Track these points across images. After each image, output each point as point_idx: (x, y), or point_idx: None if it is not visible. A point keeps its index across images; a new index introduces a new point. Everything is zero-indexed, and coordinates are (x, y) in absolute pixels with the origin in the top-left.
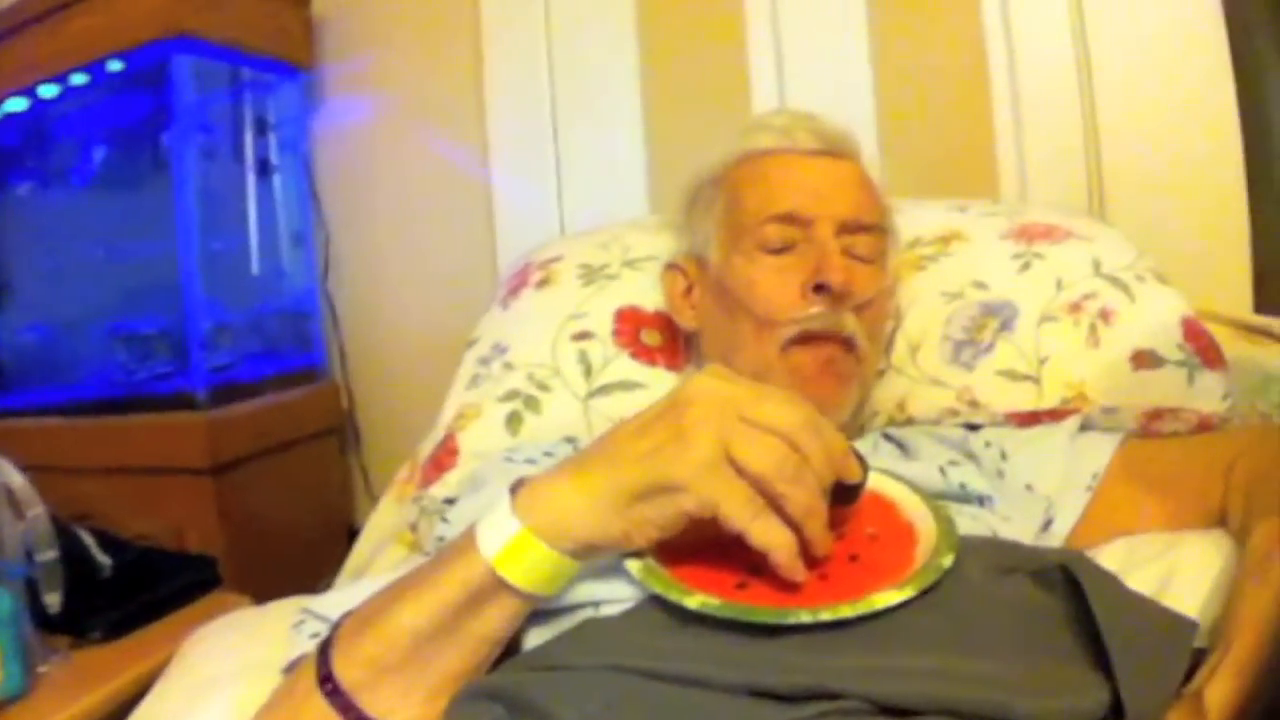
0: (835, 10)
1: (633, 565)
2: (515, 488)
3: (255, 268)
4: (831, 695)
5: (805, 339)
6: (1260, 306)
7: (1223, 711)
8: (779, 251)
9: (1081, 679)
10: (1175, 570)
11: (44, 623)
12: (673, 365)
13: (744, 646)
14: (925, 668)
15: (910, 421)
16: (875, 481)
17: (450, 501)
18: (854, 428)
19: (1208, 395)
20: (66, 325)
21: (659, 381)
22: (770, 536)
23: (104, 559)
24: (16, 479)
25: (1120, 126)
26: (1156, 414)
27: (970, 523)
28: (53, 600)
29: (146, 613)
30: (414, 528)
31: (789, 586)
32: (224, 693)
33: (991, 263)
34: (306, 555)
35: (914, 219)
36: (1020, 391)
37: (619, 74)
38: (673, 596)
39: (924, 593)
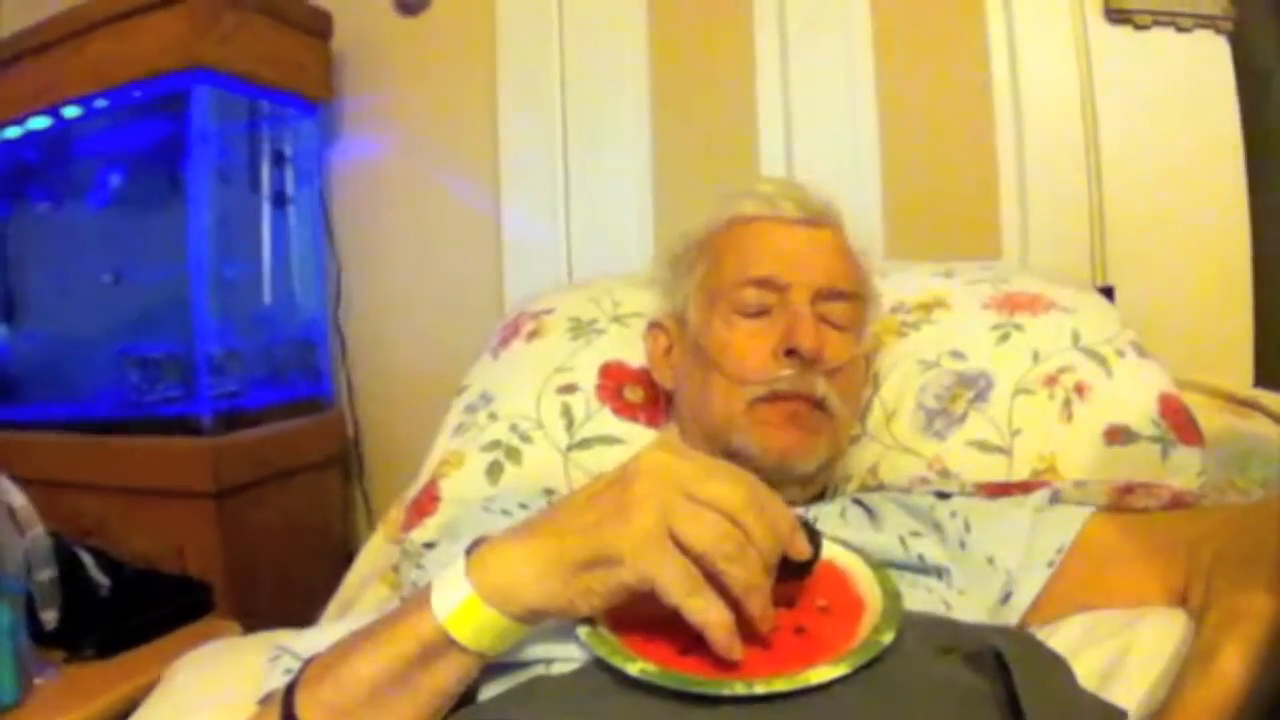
0: (843, 67)
1: (582, 629)
2: (471, 549)
3: (267, 296)
4: None
5: (773, 398)
6: (1261, 379)
7: None
8: (755, 315)
9: None
10: (1129, 649)
11: (40, 637)
12: (653, 422)
13: (679, 714)
14: None
15: (881, 487)
16: (831, 552)
17: (429, 546)
18: (824, 489)
19: (1182, 471)
20: (76, 343)
21: (638, 437)
22: (706, 614)
23: (102, 579)
24: (19, 499)
25: (1125, 192)
26: (1128, 489)
27: (925, 595)
28: (49, 617)
29: (139, 633)
30: (396, 569)
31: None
32: (213, 716)
33: (971, 332)
34: (305, 581)
35: (900, 283)
36: (991, 462)
37: (631, 121)
38: (615, 661)
39: (860, 669)
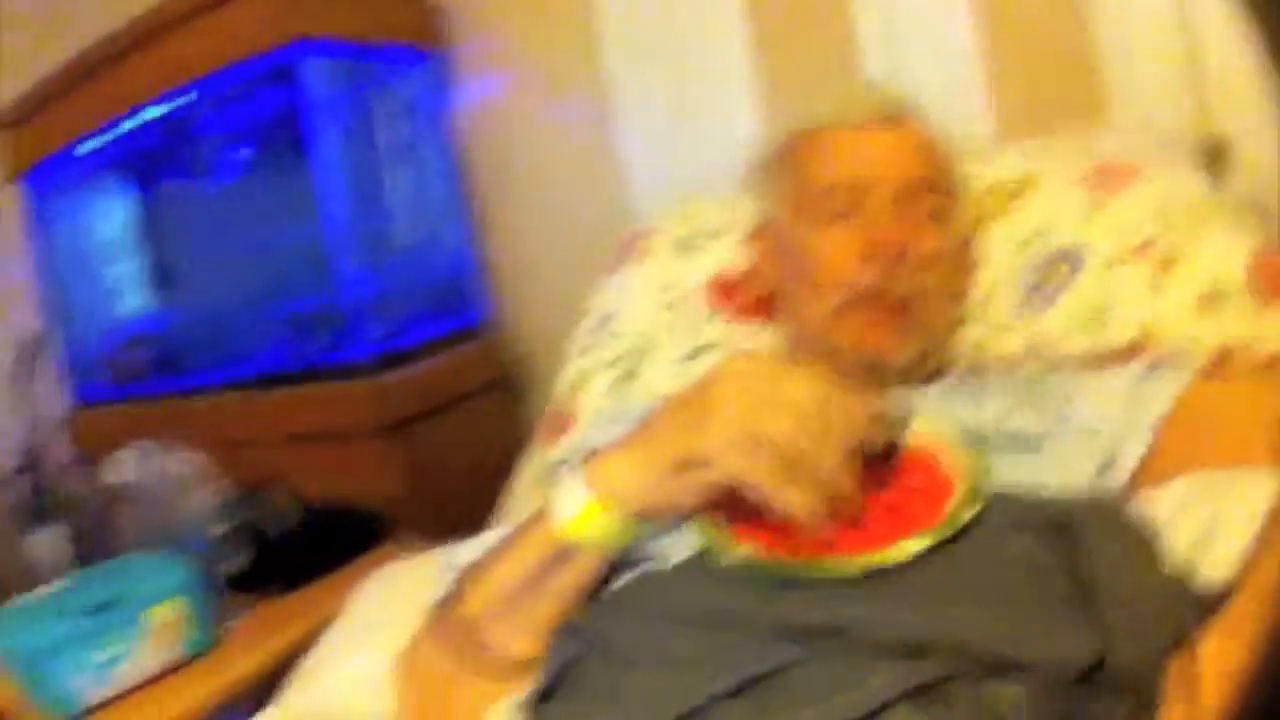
0: None
1: (697, 523)
2: (586, 460)
3: (407, 240)
4: (841, 634)
5: (856, 301)
6: None
7: (1215, 665)
8: (838, 220)
9: (1072, 632)
10: (1225, 510)
11: (229, 585)
12: (768, 320)
13: (777, 592)
14: (932, 614)
15: (987, 366)
16: (922, 434)
17: (563, 463)
18: (933, 371)
19: (1277, 331)
20: (230, 309)
21: (750, 341)
22: (790, 502)
23: (281, 522)
24: (189, 465)
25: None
26: (1226, 353)
27: (1020, 470)
28: (231, 565)
29: (321, 566)
30: (541, 484)
31: (832, 539)
32: (378, 636)
33: (1063, 208)
34: (479, 502)
35: (995, 165)
36: (1088, 335)
37: (732, 23)
38: (718, 548)
39: (941, 544)
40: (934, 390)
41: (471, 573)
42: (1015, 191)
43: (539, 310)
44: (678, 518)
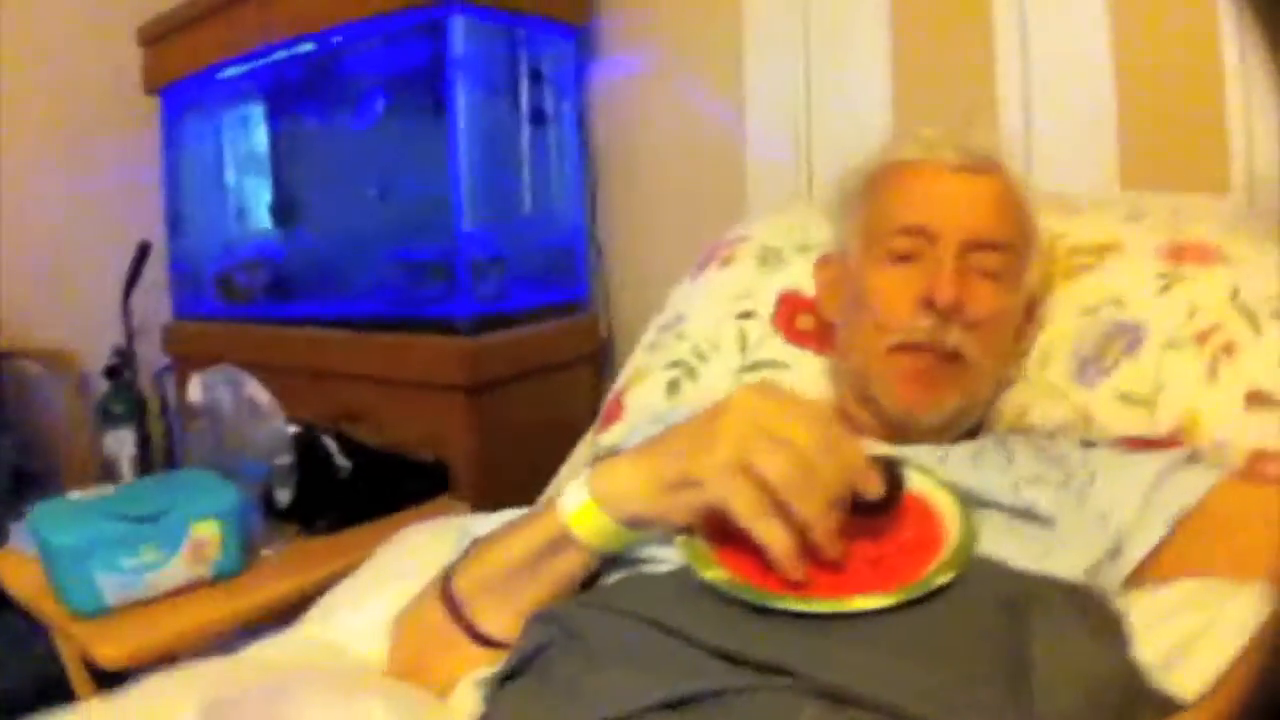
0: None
1: (680, 538)
2: (598, 460)
3: (527, 207)
4: (788, 672)
5: (908, 347)
6: None
7: None
8: (904, 262)
9: (1000, 711)
10: (1216, 621)
11: (277, 514)
12: (821, 350)
13: (740, 620)
14: (874, 667)
15: (1029, 430)
16: (928, 492)
17: (608, 449)
18: (963, 430)
19: None
20: (347, 248)
21: (805, 364)
22: (769, 537)
23: (343, 462)
24: (262, 394)
25: None
26: (1262, 456)
27: (1025, 542)
28: (283, 496)
29: (369, 509)
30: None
31: (805, 579)
32: (395, 585)
33: (1136, 280)
34: (550, 472)
35: (1085, 224)
36: (1134, 416)
37: (872, 37)
38: (695, 566)
39: (907, 604)
40: (959, 450)
41: (477, 547)
42: (1096, 255)
43: (641, 294)
44: (669, 531)
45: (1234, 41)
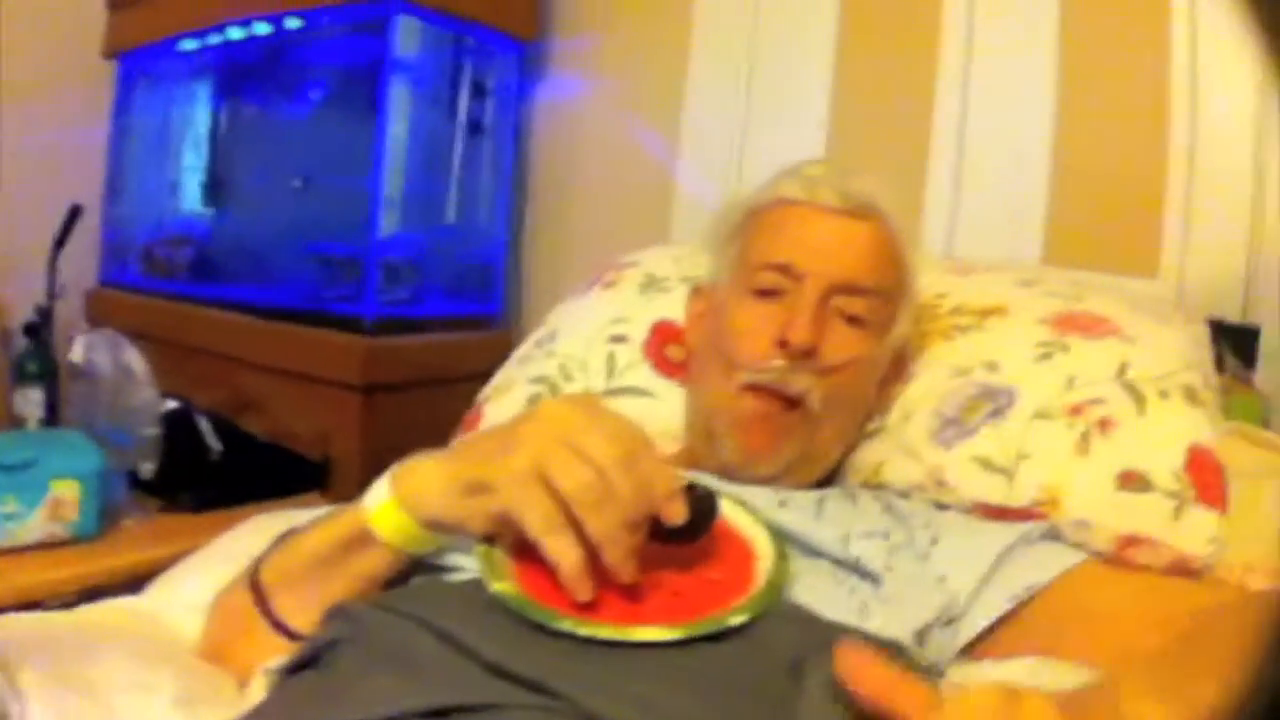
0: (1025, 67)
1: (479, 546)
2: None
3: (451, 216)
4: (554, 694)
5: (756, 388)
6: None
7: None
8: (767, 297)
9: None
10: None
11: (143, 486)
12: (687, 382)
13: (521, 636)
14: (644, 697)
15: (882, 486)
16: (752, 533)
17: None
18: (811, 477)
19: (1193, 535)
20: (270, 235)
21: (670, 395)
22: (557, 552)
23: (215, 444)
24: (139, 364)
25: None
26: (1132, 540)
27: (845, 595)
28: (146, 468)
29: (234, 495)
30: None
31: (599, 601)
32: (225, 567)
33: (1014, 346)
34: None
35: (974, 285)
36: (990, 482)
37: (812, 97)
38: (484, 577)
39: (694, 640)
40: (803, 496)
41: (286, 539)
42: (978, 317)
43: None
44: (469, 537)
45: (1185, 126)
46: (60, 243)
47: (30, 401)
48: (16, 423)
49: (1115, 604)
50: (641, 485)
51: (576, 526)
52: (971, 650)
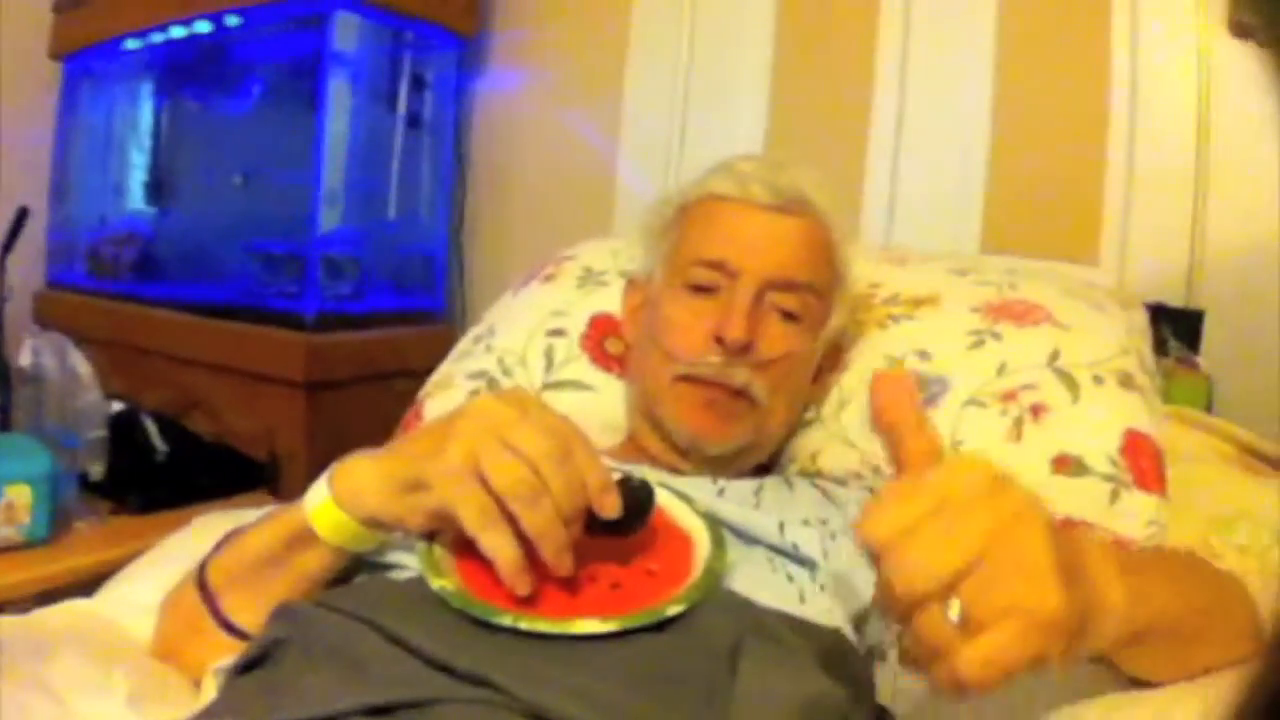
0: (962, 56)
1: (420, 544)
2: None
3: (392, 211)
4: (492, 686)
5: (694, 380)
6: None
7: None
8: (702, 292)
9: None
10: None
11: (93, 488)
12: (625, 374)
13: (462, 631)
14: (584, 689)
15: (819, 473)
16: (689, 523)
17: None
18: (747, 466)
19: (1130, 518)
20: (211, 232)
21: (610, 387)
22: (494, 547)
23: (161, 445)
24: (84, 366)
25: (1229, 216)
26: (1068, 523)
27: (783, 581)
28: (95, 470)
29: (182, 495)
30: None
31: (538, 595)
32: (174, 567)
33: (945, 334)
34: None
35: (907, 275)
36: None
37: (750, 88)
38: (427, 575)
39: (631, 630)
40: (741, 485)
41: (231, 538)
42: (911, 306)
43: None
44: (408, 534)
45: (1125, 112)
46: (8, 246)
47: None
48: None
49: None
50: (575, 479)
51: (512, 521)
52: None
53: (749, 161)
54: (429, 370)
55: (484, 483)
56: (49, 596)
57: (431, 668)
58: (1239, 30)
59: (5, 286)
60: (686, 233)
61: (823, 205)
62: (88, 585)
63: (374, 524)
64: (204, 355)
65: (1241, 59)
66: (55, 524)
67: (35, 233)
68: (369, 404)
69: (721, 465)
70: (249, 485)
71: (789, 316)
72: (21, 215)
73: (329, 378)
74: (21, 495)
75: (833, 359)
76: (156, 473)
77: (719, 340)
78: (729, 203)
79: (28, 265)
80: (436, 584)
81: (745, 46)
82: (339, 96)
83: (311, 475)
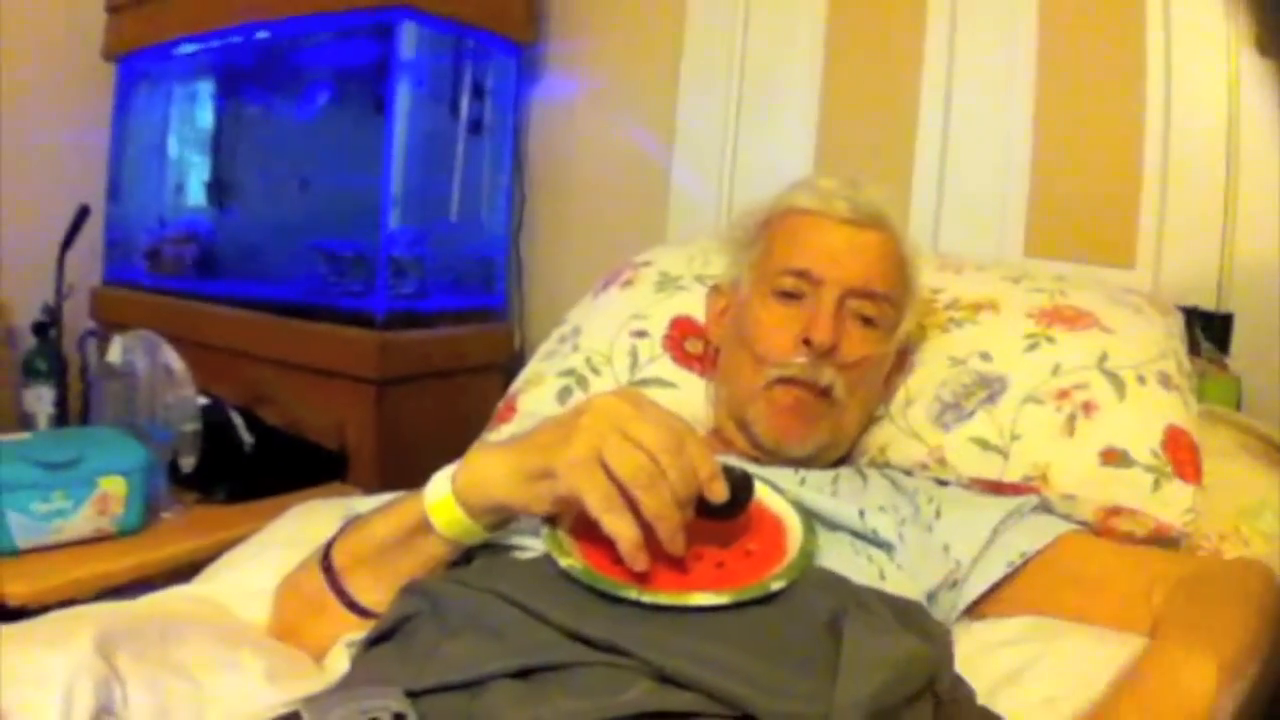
0: (1005, 69)
1: (545, 528)
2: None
3: (454, 213)
4: (626, 653)
5: (786, 380)
6: None
7: None
8: (789, 301)
9: (807, 698)
10: (1044, 655)
11: (180, 480)
12: (705, 373)
13: (589, 604)
14: (704, 654)
15: (888, 464)
16: (781, 509)
17: None
18: (841, 459)
19: (1170, 505)
20: (276, 233)
21: (691, 385)
22: (616, 528)
23: (247, 438)
24: (177, 362)
25: (1258, 223)
26: (1114, 511)
27: (864, 563)
28: (186, 462)
29: (267, 486)
30: None
31: (653, 573)
32: (280, 554)
33: (1004, 338)
34: None
35: (966, 282)
36: (987, 461)
37: (800, 98)
38: (554, 554)
39: (742, 604)
40: (819, 475)
41: (354, 524)
42: (971, 311)
43: (557, 309)
44: (531, 518)
45: (1159, 124)
46: (68, 243)
47: (40, 400)
48: (25, 421)
49: (1104, 569)
50: (688, 468)
51: (633, 506)
52: (974, 610)
53: (830, 179)
54: (489, 366)
55: (607, 471)
56: (145, 585)
57: (564, 636)
58: (1261, 47)
59: (64, 283)
60: (772, 243)
61: (896, 221)
62: (181, 574)
63: (499, 510)
64: (272, 351)
65: (1267, 73)
66: (146, 515)
67: (92, 231)
68: (433, 399)
69: (802, 462)
70: (324, 477)
71: (867, 322)
72: (82, 213)
73: (398, 374)
74: (117, 487)
75: (901, 361)
76: (242, 464)
77: (806, 342)
78: (813, 216)
79: (83, 263)
80: (565, 562)
81: (796, 56)
82: (404, 102)
83: (381, 467)
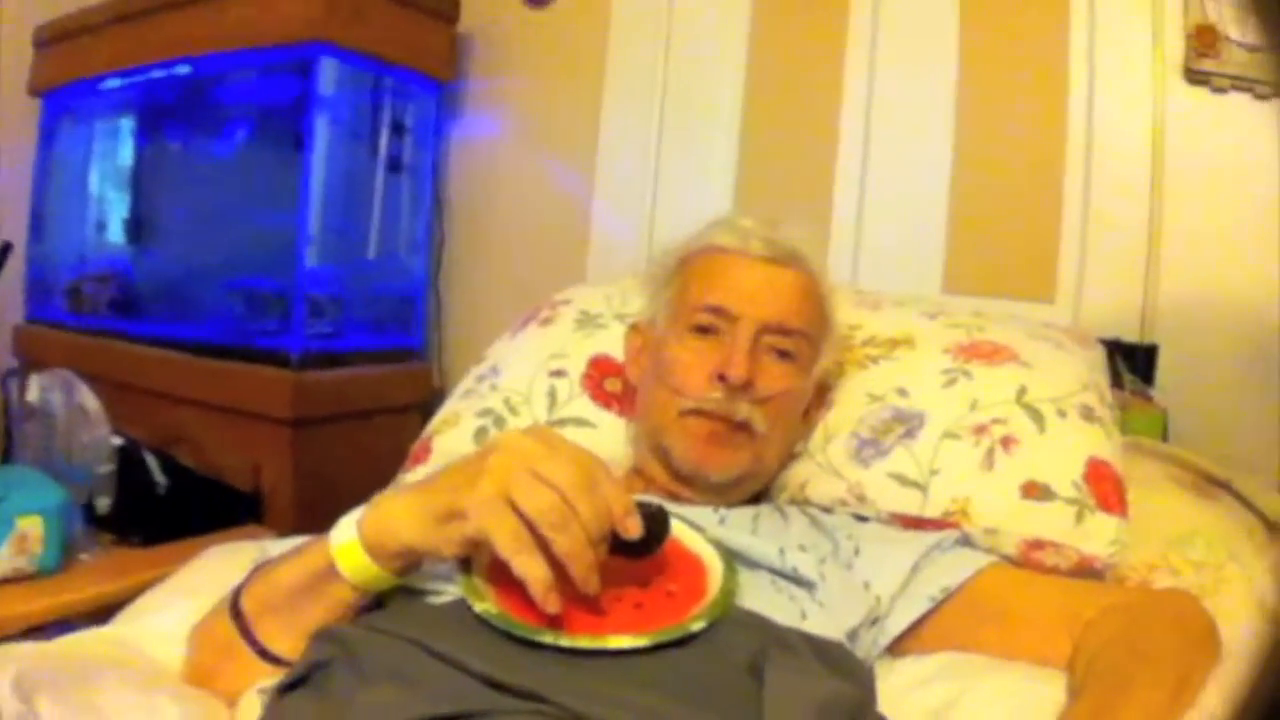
0: (924, 104)
1: (459, 575)
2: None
3: (372, 251)
4: (545, 700)
5: (699, 414)
6: None
7: None
8: (704, 338)
9: None
10: (966, 692)
11: (97, 521)
12: (624, 412)
13: (506, 650)
14: (623, 699)
15: (807, 502)
16: (700, 549)
17: None
18: (759, 495)
19: (1094, 537)
20: (192, 271)
21: (610, 424)
22: (527, 569)
23: (161, 479)
24: (92, 403)
25: (1182, 254)
26: (1037, 544)
27: (786, 601)
28: (102, 504)
29: (182, 528)
30: None
31: (568, 615)
32: (191, 601)
33: (921, 374)
34: None
35: (884, 318)
36: (906, 496)
37: (721, 136)
38: (469, 599)
39: (661, 646)
40: (739, 513)
41: (262, 569)
42: (888, 347)
43: (476, 348)
44: (440, 561)
45: (1080, 159)
46: None
47: None
48: None
49: (1027, 604)
50: (600, 505)
51: (544, 546)
52: (896, 647)
53: (748, 219)
54: (407, 407)
55: (517, 510)
56: (64, 626)
57: (481, 683)
58: (1194, 77)
59: None
60: (689, 281)
61: (814, 260)
62: (99, 615)
63: (408, 553)
64: (188, 391)
65: (1194, 104)
66: (65, 555)
67: (15, 268)
68: (349, 439)
69: (721, 493)
70: (240, 519)
71: (784, 356)
72: (5, 250)
73: (314, 414)
74: (34, 527)
75: (819, 397)
76: (157, 506)
77: (721, 378)
78: (730, 254)
79: (8, 300)
80: (480, 607)
81: (717, 96)
82: (322, 140)
83: (298, 508)
